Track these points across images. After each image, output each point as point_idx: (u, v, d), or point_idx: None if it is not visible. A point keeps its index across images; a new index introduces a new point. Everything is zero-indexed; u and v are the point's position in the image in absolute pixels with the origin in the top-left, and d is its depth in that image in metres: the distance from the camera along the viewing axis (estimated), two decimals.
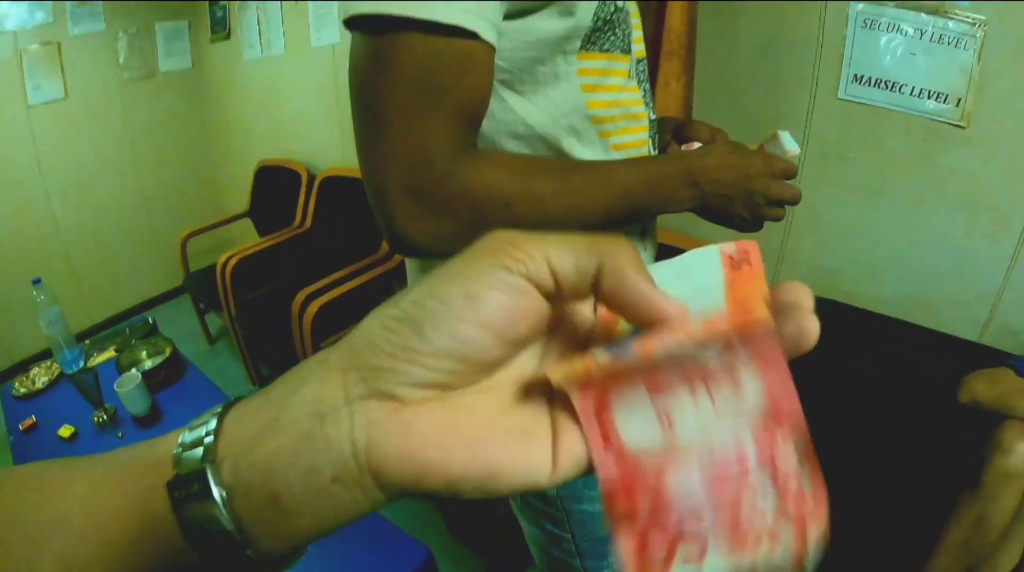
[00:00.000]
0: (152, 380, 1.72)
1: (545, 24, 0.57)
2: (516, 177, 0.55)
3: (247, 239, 2.91)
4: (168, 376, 1.80)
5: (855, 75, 1.55)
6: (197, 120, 3.76)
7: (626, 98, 0.68)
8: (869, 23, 1.50)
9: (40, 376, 1.91)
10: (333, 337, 1.95)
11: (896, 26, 1.48)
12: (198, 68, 3.70)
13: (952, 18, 1.42)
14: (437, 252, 0.54)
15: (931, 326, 1.58)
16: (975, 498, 1.14)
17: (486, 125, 0.59)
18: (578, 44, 0.60)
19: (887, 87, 1.52)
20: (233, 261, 2.41)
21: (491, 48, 0.52)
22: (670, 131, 0.85)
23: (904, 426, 1.41)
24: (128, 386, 1.58)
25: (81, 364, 1.80)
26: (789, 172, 0.67)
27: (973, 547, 1.14)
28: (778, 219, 0.68)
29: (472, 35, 0.49)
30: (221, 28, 3.41)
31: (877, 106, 1.54)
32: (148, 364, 1.85)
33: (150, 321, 2.20)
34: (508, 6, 0.54)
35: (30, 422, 1.70)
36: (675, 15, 1.38)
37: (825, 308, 1.41)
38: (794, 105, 1.63)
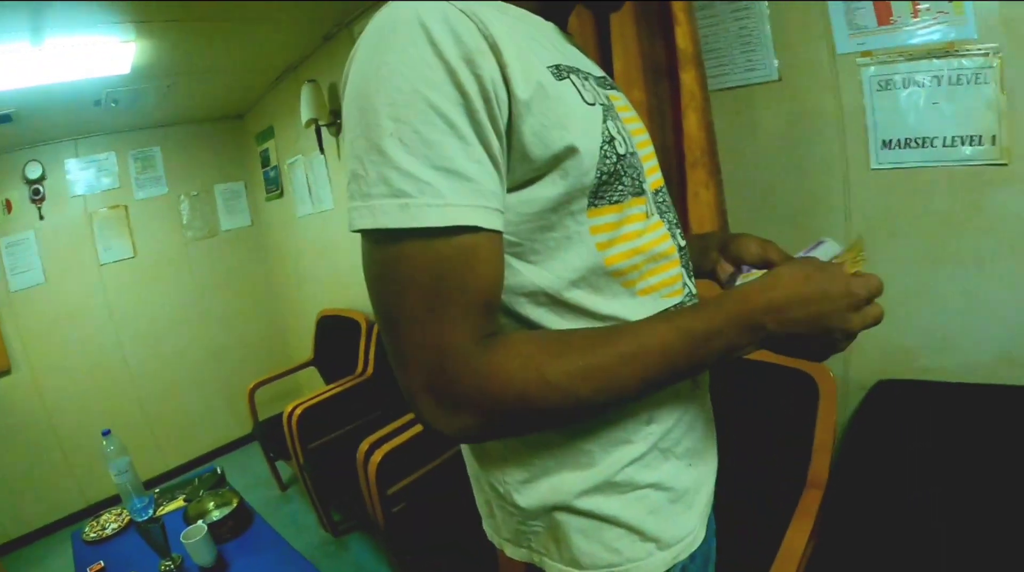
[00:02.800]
0: (219, 531, 1.76)
1: (548, 191, 0.56)
2: (532, 364, 0.52)
3: (314, 387, 3.01)
4: (235, 527, 1.83)
5: (883, 141, 1.51)
6: (259, 274, 4.03)
7: (648, 239, 0.64)
8: (884, 84, 1.49)
9: (110, 522, 2.01)
10: (400, 484, 1.95)
11: (911, 80, 1.46)
12: (256, 225, 4.01)
13: (965, 55, 1.39)
14: (471, 442, 0.54)
15: (1022, 383, 1.43)
16: None
17: (506, 297, 0.59)
18: (585, 203, 0.58)
19: (918, 144, 1.48)
20: (299, 410, 2.49)
21: (496, 233, 0.53)
22: (715, 248, 0.82)
23: (1015, 499, 1.25)
24: (194, 538, 1.63)
25: (150, 512, 1.82)
26: (873, 294, 0.58)
27: None
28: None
29: (474, 229, 0.50)
30: (274, 187, 3.71)
31: (913, 167, 1.49)
32: (215, 515, 1.90)
33: (218, 471, 2.24)
34: (508, 181, 0.55)
35: (98, 567, 1.75)
36: (691, 123, 1.39)
37: (905, 389, 1.32)
38: (829, 186, 1.60)
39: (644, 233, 0.64)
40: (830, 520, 1.47)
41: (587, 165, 0.57)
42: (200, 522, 1.74)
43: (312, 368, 3.31)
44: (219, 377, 3.73)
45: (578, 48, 0.71)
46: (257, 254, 3.99)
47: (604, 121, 0.59)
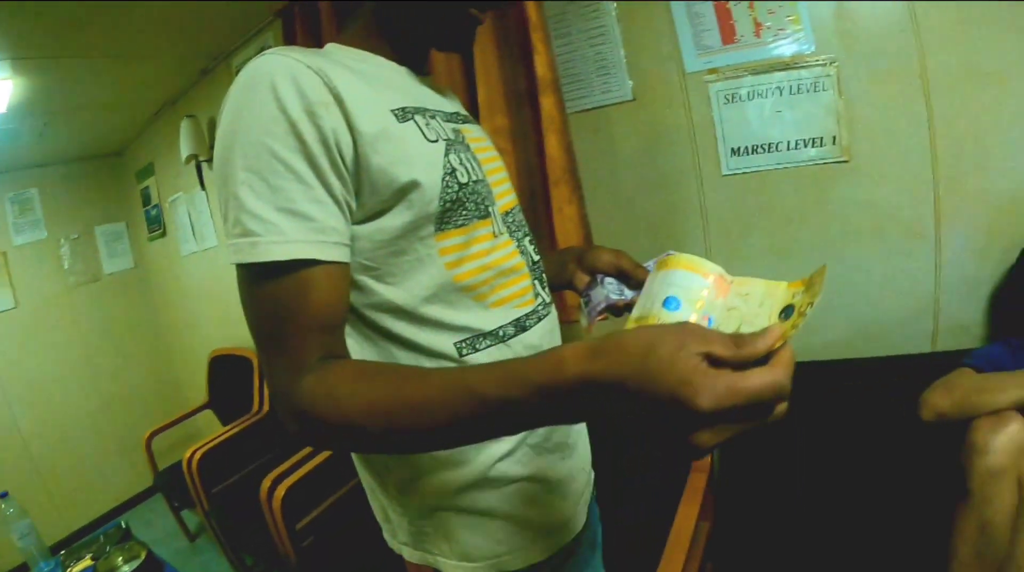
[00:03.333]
0: None
1: (396, 221, 0.62)
2: (332, 393, 0.54)
3: (214, 429, 2.88)
4: None
5: (732, 149, 1.65)
6: (147, 318, 3.82)
7: (498, 256, 0.71)
8: (731, 97, 1.63)
9: None
10: (307, 518, 1.91)
11: (756, 92, 1.60)
12: (140, 267, 3.81)
13: (804, 66, 1.54)
14: (315, 447, 0.57)
15: (882, 354, 1.59)
16: (970, 509, 1.11)
17: (368, 312, 0.66)
18: (432, 229, 0.65)
19: (765, 150, 1.62)
20: (198, 455, 2.38)
21: (336, 264, 0.59)
22: (573, 261, 0.88)
23: (884, 459, 1.39)
24: None
25: None
26: (720, 407, 0.40)
27: (986, 555, 1.10)
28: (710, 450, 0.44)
29: (311, 262, 0.57)
30: (157, 226, 3.54)
31: (761, 170, 1.64)
32: (125, 570, 1.80)
33: (123, 525, 2.11)
34: (357, 214, 0.62)
35: None
36: (552, 145, 1.48)
37: None
38: (685, 194, 1.72)
39: (492, 251, 0.70)
40: (723, 501, 1.57)
41: (429, 195, 0.63)
42: None
43: (208, 410, 3.19)
44: (114, 429, 3.49)
45: (431, 87, 0.78)
46: (143, 297, 3.79)
47: (446, 155, 0.67)
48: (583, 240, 1.53)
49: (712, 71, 1.62)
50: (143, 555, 1.80)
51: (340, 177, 0.59)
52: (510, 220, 0.76)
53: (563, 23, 1.71)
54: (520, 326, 0.72)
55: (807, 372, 1.61)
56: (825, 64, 1.52)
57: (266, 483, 1.91)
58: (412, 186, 0.62)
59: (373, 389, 0.54)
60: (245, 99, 0.57)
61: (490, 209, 0.71)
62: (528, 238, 0.80)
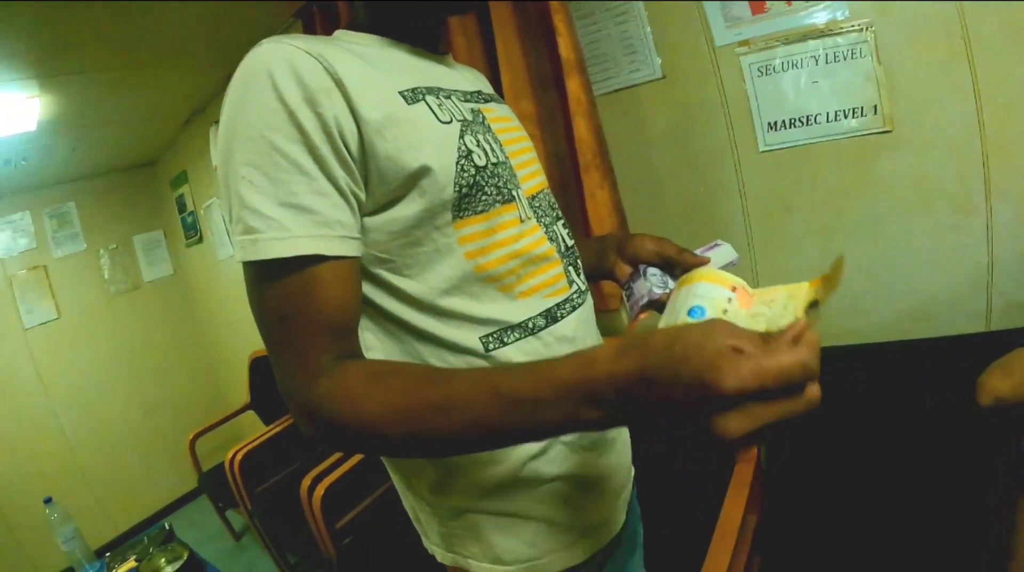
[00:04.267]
0: None
1: (409, 210, 0.59)
2: (350, 397, 0.53)
3: (257, 430, 2.94)
4: None
5: (769, 123, 1.59)
6: (187, 322, 3.91)
7: (525, 243, 0.67)
8: (764, 69, 1.56)
9: None
10: (347, 517, 1.92)
11: (790, 63, 1.54)
12: (179, 273, 3.89)
13: (839, 33, 1.47)
14: (331, 449, 0.56)
15: (935, 335, 1.52)
16: None
17: (387, 305, 0.63)
18: (449, 217, 0.61)
19: (803, 123, 1.56)
20: (240, 455, 2.42)
21: (340, 259, 0.56)
22: (613, 250, 0.82)
23: (945, 449, 1.32)
24: None
25: None
26: (746, 390, 0.39)
27: None
28: (749, 446, 0.52)
29: (317, 258, 0.54)
30: (194, 232, 3.61)
31: (801, 144, 1.57)
32: (168, 570, 1.85)
33: (167, 527, 2.17)
34: (367, 205, 0.59)
35: None
36: (580, 129, 1.44)
37: (824, 358, 1.37)
38: (721, 174, 1.66)
39: (520, 237, 0.67)
40: (770, 493, 1.52)
41: (443, 181, 0.60)
42: None
43: (251, 411, 3.23)
44: (158, 433, 3.58)
45: (447, 66, 0.74)
46: (182, 302, 3.88)
47: (461, 136, 0.63)
48: (618, 226, 1.48)
49: (743, 43, 1.56)
50: (185, 555, 1.86)
51: (345, 167, 0.56)
52: (537, 204, 0.72)
53: (585, 3, 1.65)
54: (551, 317, 0.68)
55: (854, 355, 1.58)
56: (861, 29, 1.44)
57: (306, 482, 1.92)
58: (423, 172, 0.59)
59: (392, 390, 0.52)
60: (243, 91, 0.55)
61: (514, 193, 0.68)
62: (561, 222, 0.76)
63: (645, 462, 0.91)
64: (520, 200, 0.68)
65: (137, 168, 3.74)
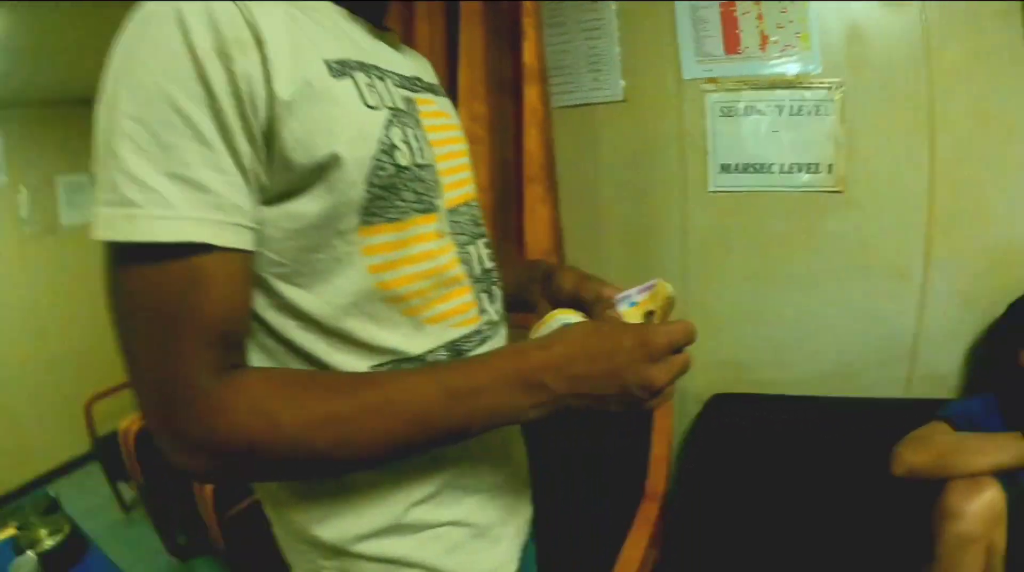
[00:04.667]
0: (51, 562, 1.61)
1: (311, 206, 0.50)
2: (262, 409, 0.46)
3: None
4: (68, 557, 1.67)
5: (722, 165, 1.58)
6: (102, 278, 3.67)
7: (441, 262, 0.59)
8: (727, 110, 1.55)
9: None
10: (240, 505, 1.80)
11: (754, 108, 1.54)
12: None
13: (808, 87, 1.48)
14: (215, 482, 0.48)
15: (854, 394, 1.55)
16: None
17: (271, 319, 0.53)
18: (355, 221, 0.52)
19: (756, 169, 1.56)
20: (135, 427, 2.26)
21: (233, 253, 0.46)
22: (540, 281, 0.75)
23: (848, 507, 1.34)
24: (23, 570, 1.51)
25: None
26: (675, 343, 0.53)
27: None
28: (667, 400, 0.56)
29: (206, 247, 0.44)
30: None
31: (751, 190, 1.57)
32: (48, 543, 1.70)
33: (51, 495, 2.02)
34: (270, 192, 0.49)
35: None
36: (531, 139, 1.40)
37: (740, 403, 1.36)
38: (666, 207, 1.65)
39: (436, 255, 0.58)
40: (672, 531, 1.51)
41: (354, 177, 0.50)
42: (29, 552, 1.59)
43: None
44: (57, 389, 3.35)
45: (389, 43, 0.65)
46: (99, 255, 3.64)
47: (387, 127, 0.53)
48: (553, 245, 1.44)
49: (711, 80, 1.55)
50: (67, 529, 1.73)
51: (251, 141, 0.46)
52: (457, 218, 0.63)
53: (558, 12, 1.61)
54: (455, 350, 0.60)
55: (773, 405, 1.59)
56: (830, 88, 1.46)
57: None
58: (332, 163, 0.49)
59: (315, 395, 0.47)
60: (143, 28, 0.45)
61: (436, 202, 0.59)
62: (483, 240, 0.68)
63: (545, 498, 0.86)
64: (441, 212, 0.60)
65: (74, 103, 3.49)
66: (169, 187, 0.43)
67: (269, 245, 0.50)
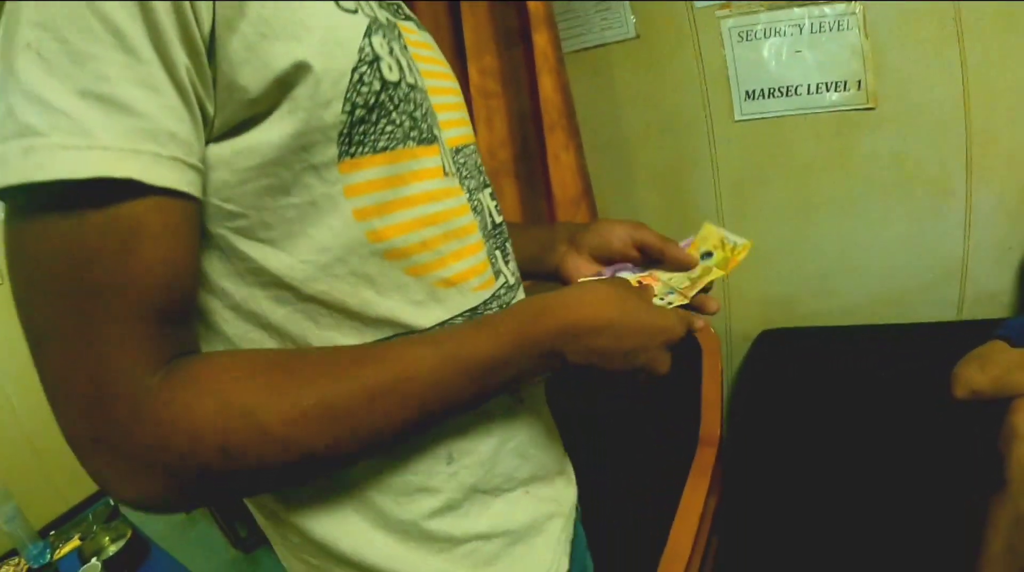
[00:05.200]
0: (115, 567, 1.68)
1: (271, 135, 0.38)
2: (235, 405, 0.36)
3: None
4: (131, 561, 1.74)
5: (746, 92, 1.51)
6: None
7: (445, 207, 0.48)
8: (745, 35, 1.48)
9: None
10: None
11: (773, 30, 1.46)
12: None
13: (826, 2, 1.39)
14: (168, 512, 0.38)
15: (905, 321, 1.50)
16: (1006, 498, 1.02)
17: (229, 287, 0.42)
18: (333, 152, 0.41)
19: (782, 93, 1.49)
20: None
21: (171, 199, 0.35)
22: (565, 240, 0.66)
23: (910, 437, 1.30)
24: None
25: (48, 557, 1.77)
26: (693, 331, 0.55)
27: (1020, 549, 1.01)
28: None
29: (138, 188, 0.33)
30: None
31: (778, 116, 1.50)
32: (111, 550, 1.80)
33: (111, 503, 2.11)
34: (218, 121, 0.38)
35: None
36: (546, 86, 1.34)
37: (789, 338, 1.32)
38: (694, 142, 1.59)
39: (441, 197, 0.48)
40: (730, 475, 1.48)
41: (327, 92, 0.39)
42: (94, 560, 1.66)
43: None
44: None
45: None
46: None
47: (367, 35, 0.42)
48: (582, 192, 1.40)
49: (724, 6, 1.47)
50: (129, 534, 1.81)
51: (192, 51, 0.35)
52: (462, 160, 0.53)
53: None
54: None
55: (823, 337, 1.54)
56: (849, 1, 1.36)
57: None
58: (298, 74, 0.38)
59: (304, 383, 0.38)
60: None
61: (436, 133, 0.48)
62: (488, 190, 0.57)
63: (589, 464, 0.82)
64: (443, 145, 0.49)
65: None
66: (82, 108, 0.32)
67: (222, 192, 0.39)
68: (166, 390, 0.35)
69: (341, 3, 0.41)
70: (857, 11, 1.37)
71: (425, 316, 0.47)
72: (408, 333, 0.46)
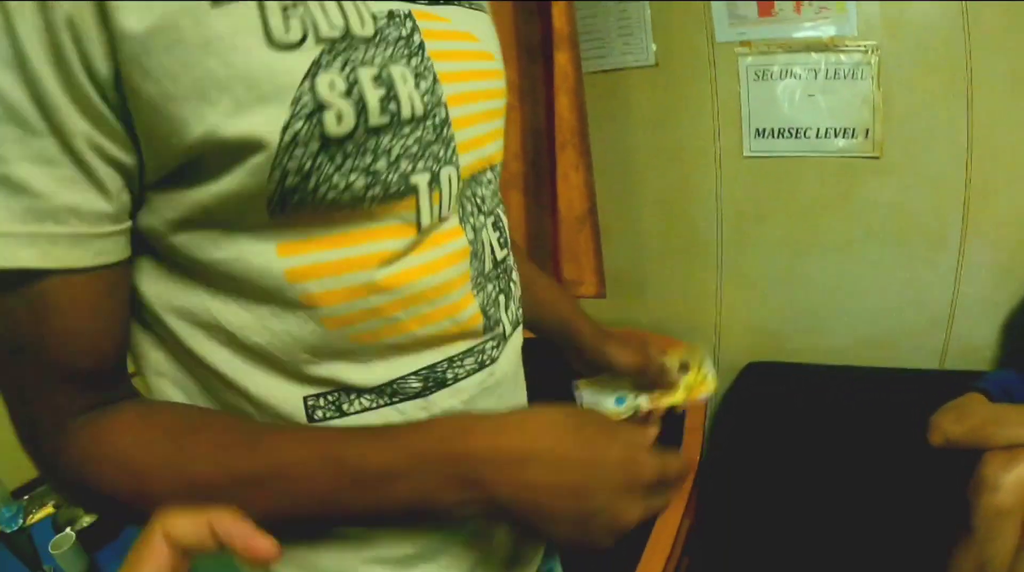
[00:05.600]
0: (90, 538, 1.60)
1: (201, 193, 0.36)
2: (128, 470, 0.38)
3: None
4: (106, 533, 1.67)
5: (757, 130, 1.54)
6: None
7: (413, 264, 0.42)
8: (761, 75, 1.52)
9: None
10: None
11: (789, 71, 1.50)
12: None
13: (843, 50, 1.43)
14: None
15: (888, 365, 1.53)
16: (971, 543, 1.06)
17: (178, 341, 0.41)
18: (264, 216, 0.37)
19: (792, 134, 1.52)
20: None
21: (75, 275, 0.34)
22: (575, 345, 0.65)
23: (882, 477, 1.32)
24: (63, 547, 1.48)
25: (19, 522, 1.67)
26: (666, 477, 0.41)
27: None
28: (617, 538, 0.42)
29: (35, 273, 0.33)
30: None
31: (785, 156, 1.53)
32: (86, 520, 1.69)
33: None
34: (149, 166, 0.36)
35: None
36: (563, 105, 1.37)
37: (775, 372, 1.34)
38: (701, 172, 1.62)
39: (400, 254, 0.41)
40: (706, 501, 1.51)
41: (251, 161, 0.35)
42: (68, 530, 1.58)
43: None
44: None
45: None
46: None
47: (309, 77, 0.34)
48: (587, 211, 1.43)
49: (744, 43, 1.51)
50: None
51: (87, 111, 0.32)
52: (472, 191, 0.47)
53: None
54: (435, 379, 0.45)
55: (808, 374, 1.57)
56: (866, 51, 1.41)
57: None
58: (213, 140, 0.33)
59: (188, 455, 0.38)
60: None
61: (416, 179, 0.40)
62: (492, 220, 0.50)
63: None
64: (439, 186, 0.41)
65: None
66: None
67: (158, 229, 0.38)
68: (74, 443, 0.37)
69: (275, 37, 0.33)
70: (872, 61, 1.40)
71: (366, 375, 0.43)
72: (347, 388, 0.43)
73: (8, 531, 1.62)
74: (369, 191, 0.38)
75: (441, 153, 0.41)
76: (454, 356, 0.45)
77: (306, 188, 0.36)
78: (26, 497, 1.93)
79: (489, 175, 0.48)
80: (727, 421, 1.64)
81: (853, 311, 1.58)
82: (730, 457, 1.52)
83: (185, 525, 0.26)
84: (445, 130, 0.41)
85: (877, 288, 1.54)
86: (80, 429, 0.37)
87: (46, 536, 1.55)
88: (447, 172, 0.42)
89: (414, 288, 0.42)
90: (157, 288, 0.40)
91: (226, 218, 0.37)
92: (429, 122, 0.40)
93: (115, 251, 0.36)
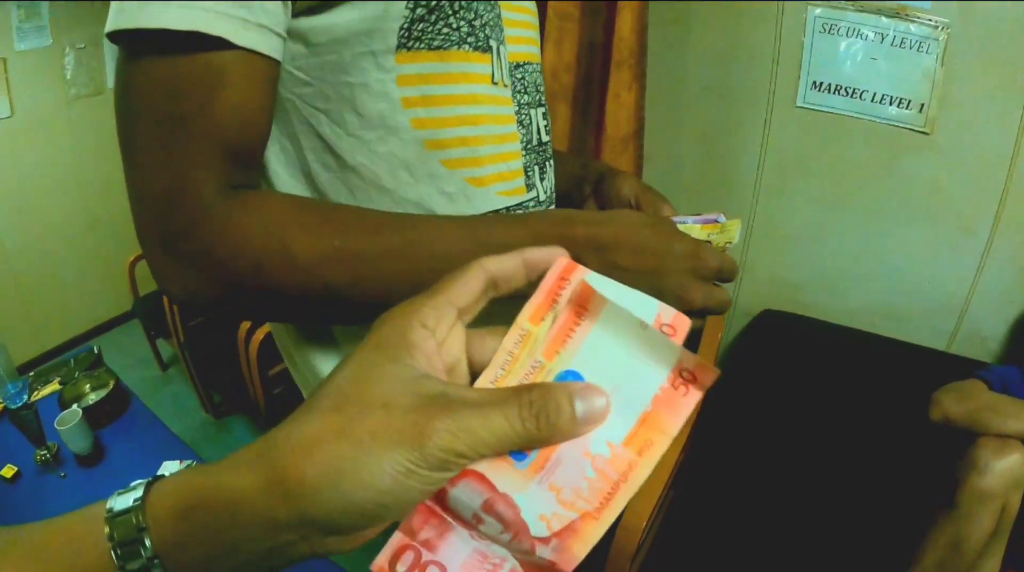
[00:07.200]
0: (95, 416, 1.64)
1: (343, 18, 0.43)
2: (277, 233, 0.41)
3: None
4: (111, 411, 1.71)
5: (814, 82, 1.51)
6: None
7: (485, 111, 0.51)
8: (828, 28, 1.48)
9: None
10: (280, 366, 1.85)
11: (856, 31, 1.46)
12: None
13: (914, 21, 1.40)
14: (204, 308, 0.44)
15: (897, 337, 1.56)
16: (950, 519, 1.10)
17: (298, 155, 0.49)
18: (393, 42, 0.45)
19: (847, 93, 1.49)
20: None
21: (254, 57, 0.40)
22: (592, 181, 0.68)
23: (873, 441, 1.36)
24: (69, 424, 1.51)
25: (24, 398, 1.67)
26: (724, 273, 0.47)
27: (949, 568, 1.10)
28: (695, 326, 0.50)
29: (222, 44, 0.38)
30: None
31: (837, 113, 1.51)
32: (92, 398, 1.77)
33: (95, 350, 2.07)
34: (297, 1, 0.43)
35: None
36: (624, 23, 1.32)
37: (788, 322, 1.35)
38: (751, 114, 1.59)
39: (485, 101, 0.51)
40: (697, 437, 1.54)
41: None
42: (75, 407, 1.62)
43: None
44: (99, 250, 3.39)
45: None
46: None
47: None
48: (633, 133, 1.40)
49: None
50: (111, 384, 1.79)
51: None
52: (520, 75, 0.56)
53: None
54: None
55: (820, 329, 1.59)
56: (937, 27, 1.37)
57: (245, 325, 1.85)
58: None
59: (337, 228, 0.42)
60: None
61: (493, 44, 0.51)
62: (542, 110, 0.60)
63: None
64: (500, 58, 0.52)
65: None
66: None
67: (296, 61, 0.45)
68: (224, 210, 0.40)
69: None
70: (941, 38, 1.37)
71: (452, 208, 0.51)
72: None
73: (13, 407, 1.61)
74: (469, 37, 0.48)
75: (499, 34, 0.52)
76: (509, 206, 0.54)
77: (429, 20, 0.45)
78: (31, 374, 1.99)
79: (529, 67, 0.58)
80: (735, 362, 1.67)
81: (872, 278, 1.59)
82: (731, 397, 1.56)
83: (501, 260, 0.30)
84: (500, 20, 0.52)
85: (900, 261, 1.55)
86: (230, 198, 0.40)
87: (51, 413, 1.57)
88: (503, 50, 0.53)
89: (491, 130, 0.52)
90: (277, 121, 0.47)
91: (360, 44, 0.44)
92: (494, 12, 0.51)
93: (280, 51, 0.42)
